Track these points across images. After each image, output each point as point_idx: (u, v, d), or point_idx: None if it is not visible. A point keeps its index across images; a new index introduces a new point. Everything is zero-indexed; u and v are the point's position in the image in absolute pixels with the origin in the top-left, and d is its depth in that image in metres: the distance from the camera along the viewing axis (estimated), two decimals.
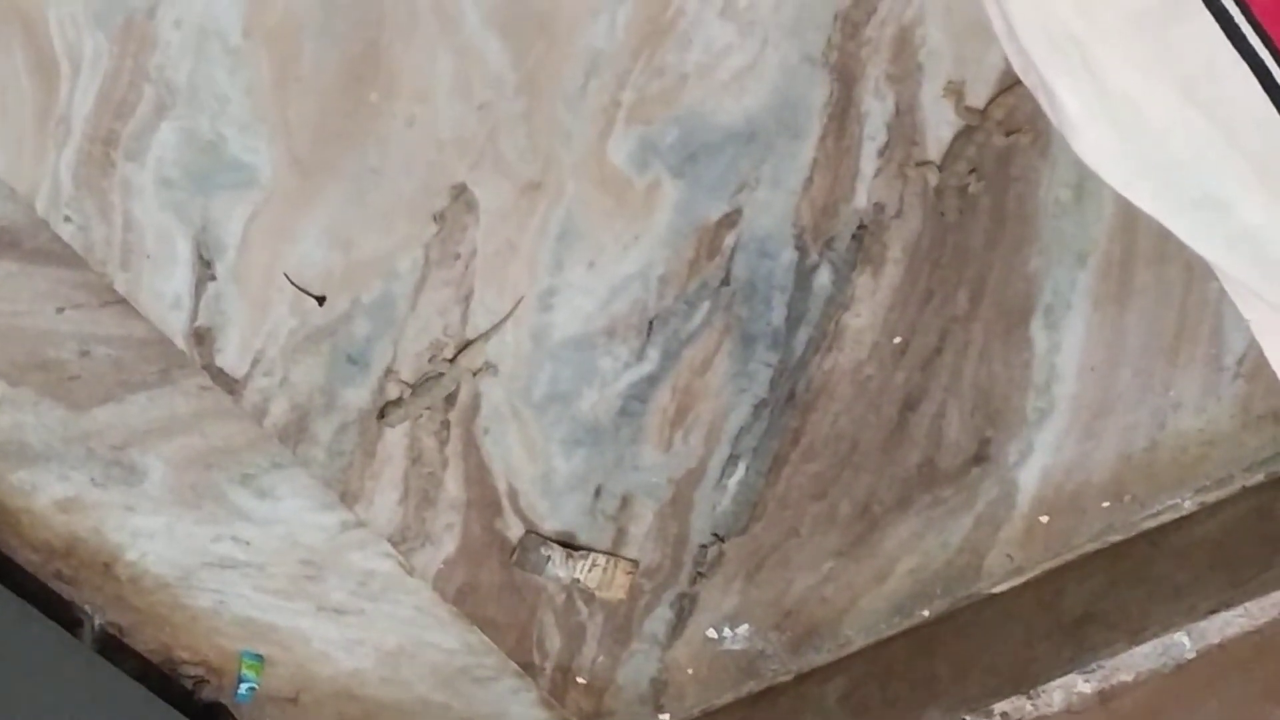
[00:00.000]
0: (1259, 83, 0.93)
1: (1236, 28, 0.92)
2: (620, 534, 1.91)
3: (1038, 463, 1.80)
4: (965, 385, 1.76)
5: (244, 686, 2.18)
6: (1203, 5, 0.92)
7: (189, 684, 2.20)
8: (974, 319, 1.72)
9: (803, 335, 1.75)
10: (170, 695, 2.16)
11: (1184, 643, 1.72)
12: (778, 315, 1.74)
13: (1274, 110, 0.94)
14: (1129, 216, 1.62)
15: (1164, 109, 0.97)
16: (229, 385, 1.73)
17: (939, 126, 1.62)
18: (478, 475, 1.84)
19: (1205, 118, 0.96)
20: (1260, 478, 1.75)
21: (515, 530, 1.90)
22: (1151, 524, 1.81)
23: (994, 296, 1.70)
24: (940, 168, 1.64)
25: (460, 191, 1.63)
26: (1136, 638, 1.74)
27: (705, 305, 1.73)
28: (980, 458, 1.81)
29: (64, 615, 2.08)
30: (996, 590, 1.90)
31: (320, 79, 1.56)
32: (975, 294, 1.70)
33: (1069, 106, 1.00)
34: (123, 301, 1.68)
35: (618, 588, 1.93)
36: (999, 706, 1.84)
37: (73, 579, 2.07)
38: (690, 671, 2.02)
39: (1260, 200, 0.98)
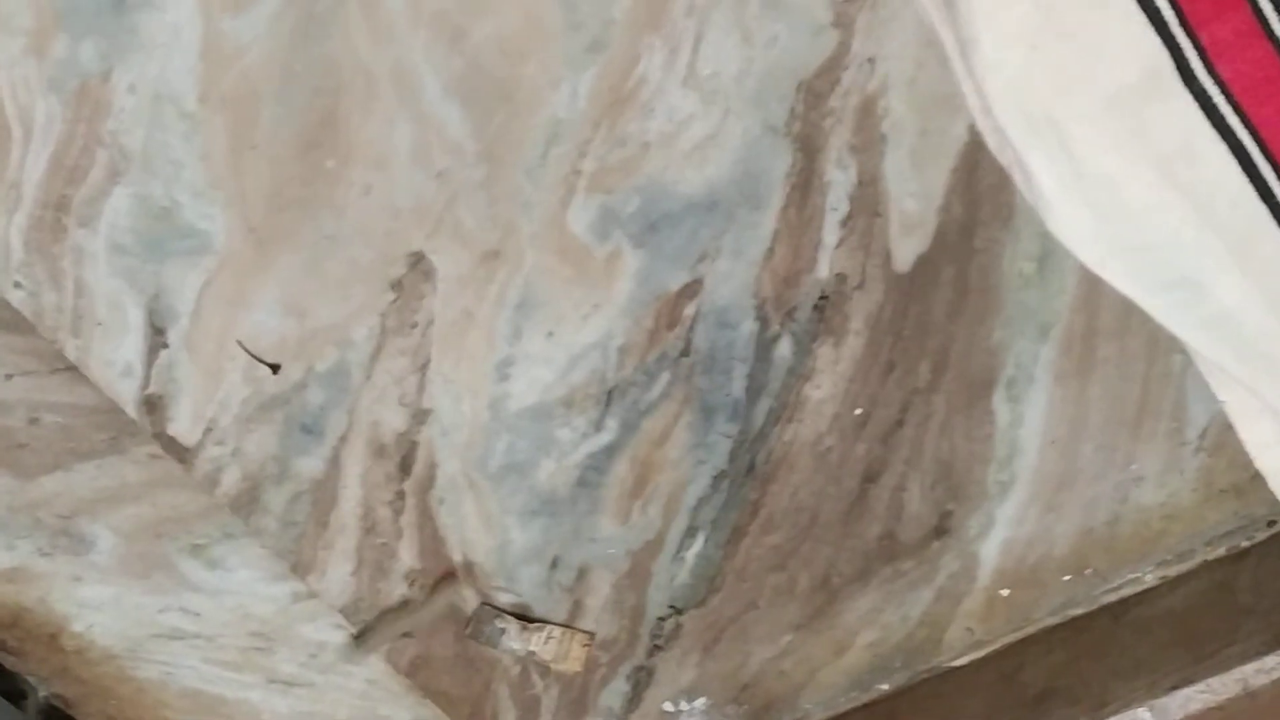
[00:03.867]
0: (1237, 163, 0.93)
1: (1215, 107, 0.92)
2: (576, 606, 1.89)
3: (999, 536, 1.79)
4: (926, 458, 1.75)
5: None
6: (1182, 85, 0.92)
7: None
8: (936, 391, 1.71)
9: (763, 406, 1.74)
10: None
11: (1146, 718, 1.71)
12: (738, 386, 1.72)
13: (1252, 191, 0.93)
14: (1092, 289, 1.62)
15: (1141, 189, 0.96)
16: (180, 454, 1.70)
17: (901, 198, 1.61)
18: (433, 546, 1.82)
19: (1182, 198, 0.96)
20: (1222, 552, 1.76)
21: (470, 602, 1.87)
22: (1113, 598, 1.81)
23: (956, 369, 1.70)
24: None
25: (418, 260, 1.62)
26: (1098, 713, 1.73)
27: (665, 376, 1.71)
28: (941, 531, 1.80)
29: (8, 687, 2.03)
30: (957, 664, 1.89)
31: (276, 146, 1.54)
32: (937, 366, 1.70)
33: (1045, 185, 1.00)
34: (73, 369, 1.65)
35: (573, 660, 1.91)
36: None
37: (17, 650, 2.03)
38: None
39: (1236, 281, 0.98)
